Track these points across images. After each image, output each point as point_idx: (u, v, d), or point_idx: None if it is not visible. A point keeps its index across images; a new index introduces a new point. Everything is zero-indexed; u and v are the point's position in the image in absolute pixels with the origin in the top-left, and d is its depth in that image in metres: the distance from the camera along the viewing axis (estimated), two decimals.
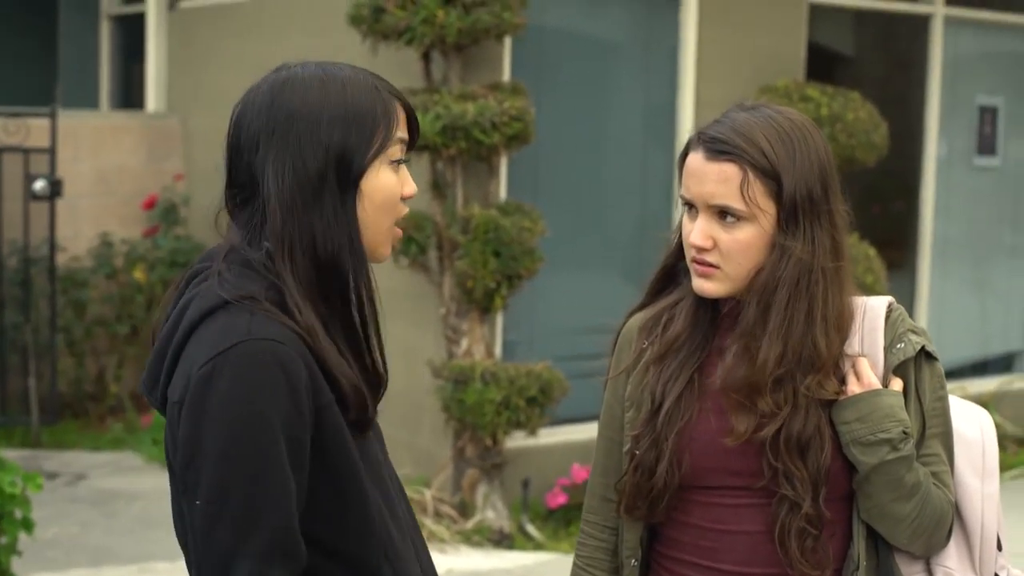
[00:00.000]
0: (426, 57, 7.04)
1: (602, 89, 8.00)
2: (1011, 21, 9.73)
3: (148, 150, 9.61)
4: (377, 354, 2.22)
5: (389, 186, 2.16)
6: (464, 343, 7.09)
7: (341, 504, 2.10)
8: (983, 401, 8.23)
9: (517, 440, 7.27)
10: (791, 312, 2.35)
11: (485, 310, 7.06)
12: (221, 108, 9.41)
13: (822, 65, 9.41)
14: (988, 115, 9.64)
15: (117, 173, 9.49)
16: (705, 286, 2.43)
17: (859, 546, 2.42)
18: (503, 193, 7.35)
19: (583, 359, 7.96)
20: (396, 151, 2.17)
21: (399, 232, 2.23)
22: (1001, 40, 9.77)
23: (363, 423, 2.15)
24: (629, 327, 2.62)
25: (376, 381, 2.22)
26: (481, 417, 6.77)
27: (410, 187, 2.20)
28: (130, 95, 10.90)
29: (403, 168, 2.21)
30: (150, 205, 9.33)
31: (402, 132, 2.19)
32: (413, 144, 2.23)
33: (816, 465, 2.36)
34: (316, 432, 2.07)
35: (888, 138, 8.28)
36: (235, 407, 1.99)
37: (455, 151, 6.80)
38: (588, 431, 7.68)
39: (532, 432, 7.01)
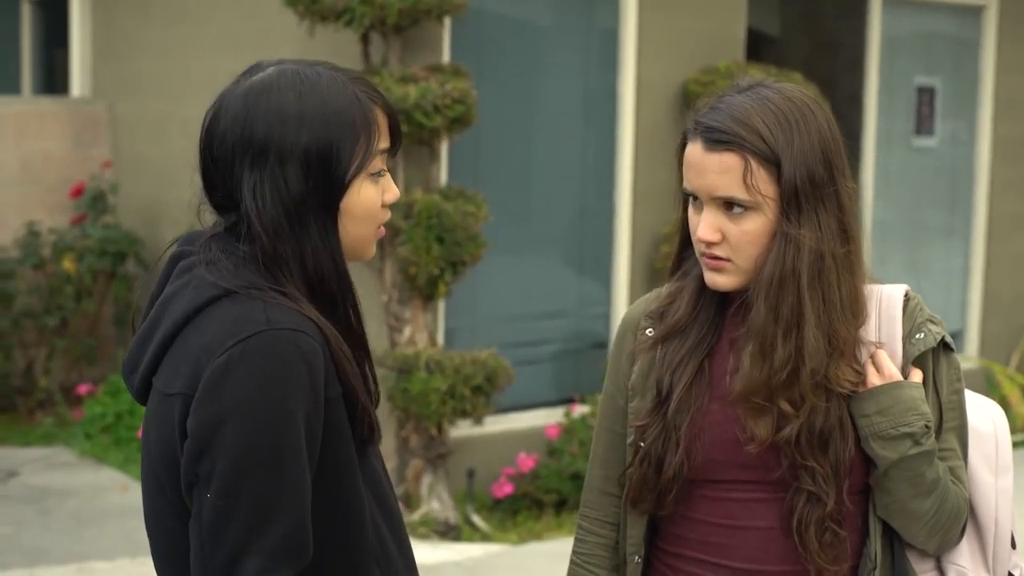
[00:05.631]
0: (365, 39, 6.89)
1: (542, 72, 7.88)
2: (949, 1, 9.70)
3: (74, 137, 9.38)
4: (368, 371, 2.14)
5: (369, 200, 2.08)
6: (407, 331, 6.95)
7: (337, 504, 2.02)
8: None
9: (461, 429, 7.15)
10: (814, 303, 2.24)
11: (428, 297, 6.93)
12: (148, 93, 9.22)
13: (758, 46, 9.36)
14: (926, 96, 9.61)
15: (43, 160, 9.25)
16: (717, 280, 2.32)
17: (875, 544, 2.33)
18: (444, 177, 7.22)
19: (525, 346, 7.88)
20: (377, 163, 2.07)
21: (382, 232, 2.14)
22: (939, 20, 9.74)
23: (368, 433, 2.07)
24: (631, 314, 2.50)
25: (372, 394, 2.13)
26: (426, 407, 6.64)
27: (391, 193, 2.11)
28: (54, 81, 10.65)
29: (384, 174, 2.11)
30: (78, 193, 9.09)
31: (384, 143, 2.08)
32: (396, 147, 2.13)
33: (837, 458, 2.26)
34: (326, 423, 1.99)
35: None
36: (257, 399, 1.90)
37: None
38: (532, 419, 7.61)
39: (478, 421, 6.90)
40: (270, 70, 2.06)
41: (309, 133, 2.00)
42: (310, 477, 1.95)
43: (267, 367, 1.91)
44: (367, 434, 2.06)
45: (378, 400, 2.16)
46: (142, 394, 2.07)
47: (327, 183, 2.01)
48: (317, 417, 1.95)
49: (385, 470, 2.19)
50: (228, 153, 2.02)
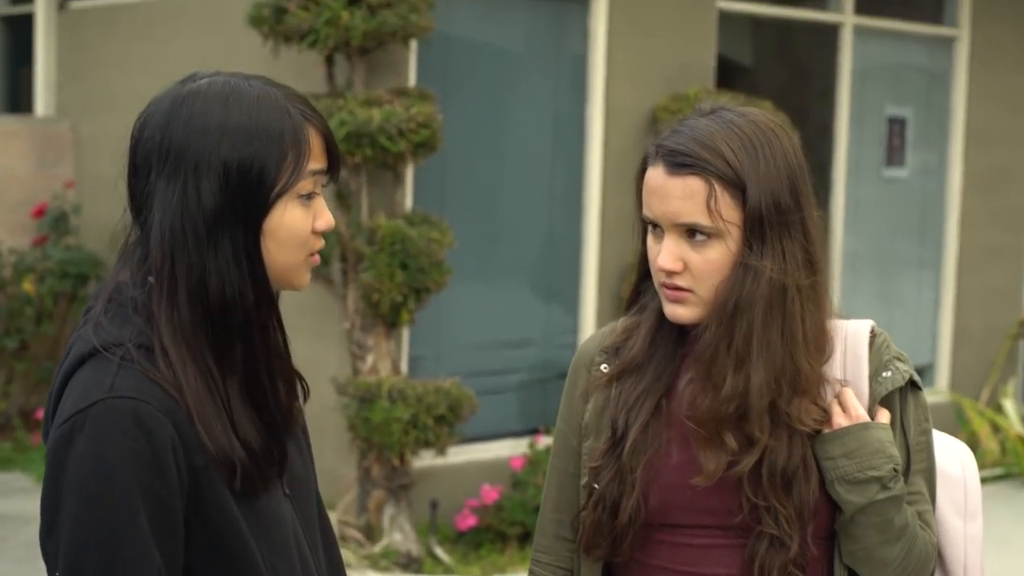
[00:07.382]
0: (329, 60, 6.79)
1: (509, 97, 7.79)
2: (920, 31, 9.66)
3: (37, 156, 9.24)
4: (284, 402, 1.99)
5: (295, 223, 1.94)
6: (370, 359, 6.83)
7: (231, 568, 1.90)
8: None
9: (424, 460, 7.03)
10: (768, 335, 2.13)
11: (391, 325, 6.81)
12: (113, 112, 9.08)
13: (728, 74, 9.29)
14: (897, 126, 9.56)
15: (5, 180, 9.11)
16: (678, 312, 2.19)
17: None
18: (409, 203, 7.11)
19: (489, 375, 7.77)
20: (306, 185, 1.94)
21: (316, 260, 2.01)
22: (910, 50, 9.70)
23: (246, 487, 1.91)
24: (585, 349, 2.38)
25: (279, 433, 1.98)
26: (388, 436, 6.52)
27: (323, 221, 1.97)
28: (18, 99, 10.51)
29: (317, 199, 1.97)
30: (40, 214, 8.96)
31: (315, 163, 1.95)
32: (334, 171, 2.00)
33: (801, 500, 2.15)
34: (193, 494, 1.86)
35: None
36: (90, 473, 1.80)
37: (360, 159, 6.54)
38: (497, 450, 7.49)
39: (441, 451, 6.78)
40: (203, 81, 1.95)
41: (230, 146, 1.88)
42: (161, 551, 1.83)
43: (102, 440, 1.81)
44: (246, 487, 1.91)
45: (285, 437, 2.01)
46: None
47: (248, 200, 1.89)
48: (167, 489, 1.83)
49: (299, 513, 2.05)
50: (146, 161, 1.92)
